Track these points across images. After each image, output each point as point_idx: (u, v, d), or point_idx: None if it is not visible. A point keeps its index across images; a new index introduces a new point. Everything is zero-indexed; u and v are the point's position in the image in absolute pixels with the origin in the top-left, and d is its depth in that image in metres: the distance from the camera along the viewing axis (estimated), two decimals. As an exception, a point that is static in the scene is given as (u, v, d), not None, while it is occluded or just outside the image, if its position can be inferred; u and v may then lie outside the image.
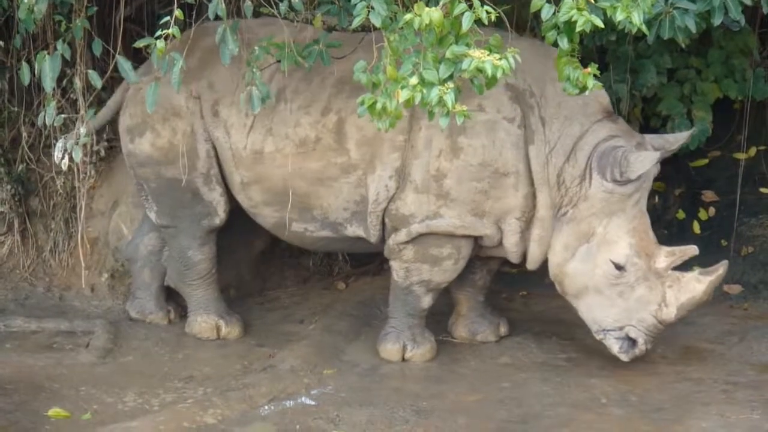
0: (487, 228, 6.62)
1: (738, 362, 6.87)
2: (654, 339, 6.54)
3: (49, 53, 6.29)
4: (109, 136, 7.77)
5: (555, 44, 5.33)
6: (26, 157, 7.85)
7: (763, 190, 8.16)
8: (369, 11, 5.34)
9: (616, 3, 5.27)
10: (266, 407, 6.27)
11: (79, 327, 7.29)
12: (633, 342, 6.53)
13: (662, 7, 6.04)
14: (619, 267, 6.44)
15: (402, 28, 5.30)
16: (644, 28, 5.37)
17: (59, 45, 6.28)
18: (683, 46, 6.43)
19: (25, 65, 6.47)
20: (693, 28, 6.07)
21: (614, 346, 6.57)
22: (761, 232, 8.01)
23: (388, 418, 6.13)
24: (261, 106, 6.20)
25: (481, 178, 6.51)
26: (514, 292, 8.01)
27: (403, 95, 5.19)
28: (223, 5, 5.86)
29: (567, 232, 6.55)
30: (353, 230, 6.83)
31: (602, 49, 7.72)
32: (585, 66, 5.42)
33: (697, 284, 6.42)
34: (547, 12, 5.24)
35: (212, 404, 6.21)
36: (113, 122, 7.43)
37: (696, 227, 8.16)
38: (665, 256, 6.48)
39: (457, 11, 5.13)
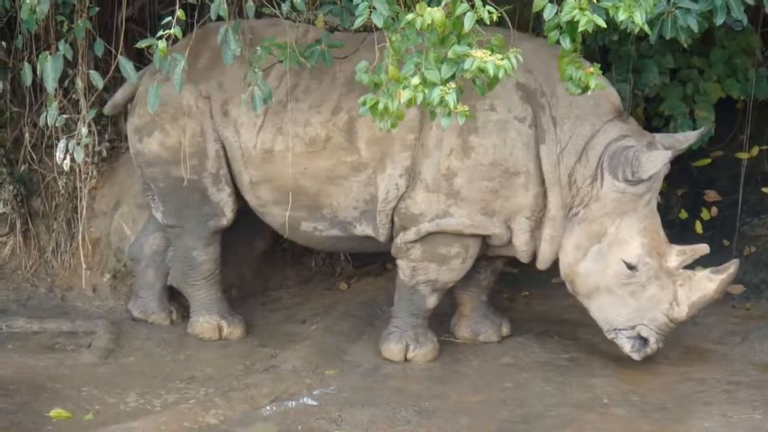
0: (496, 227, 6.62)
1: (740, 362, 6.87)
2: (665, 338, 6.55)
3: (51, 54, 6.29)
4: (111, 136, 7.77)
5: (557, 44, 5.33)
6: (28, 157, 7.83)
7: (765, 189, 8.15)
8: (371, 11, 5.33)
9: (618, 3, 5.26)
10: (268, 407, 6.27)
11: (81, 327, 7.28)
12: (645, 341, 6.55)
13: (664, 7, 6.04)
14: (631, 267, 6.44)
15: (404, 28, 5.29)
16: (646, 27, 5.37)
17: (61, 45, 6.28)
18: (685, 45, 6.40)
19: (27, 66, 6.47)
20: (695, 28, 6.06)
21: (626, 346, 6.58)
22: (764, 232, 8.00)
23: (390, 419, 6.12)
24: (262, 106, 6.20)
25: (491, 177, 6.51)
26: (516, 292, 8.01)
27: (404, 95, 5.18)
28: (225, 6, 5.86)
29: (578, 232, 6.54)
30: (362, 229, 6.82)
31: (604, 49, 7.71)
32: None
33: (708, 283, 6.44)
34: (549, 12, 5.23)
35: (214, 405, 6.20)
36: (114, 123, 7.43)
37: (698, 227, 8.15)
38: (676, 255, 6.49)
39: (459, 11, 5.13)
